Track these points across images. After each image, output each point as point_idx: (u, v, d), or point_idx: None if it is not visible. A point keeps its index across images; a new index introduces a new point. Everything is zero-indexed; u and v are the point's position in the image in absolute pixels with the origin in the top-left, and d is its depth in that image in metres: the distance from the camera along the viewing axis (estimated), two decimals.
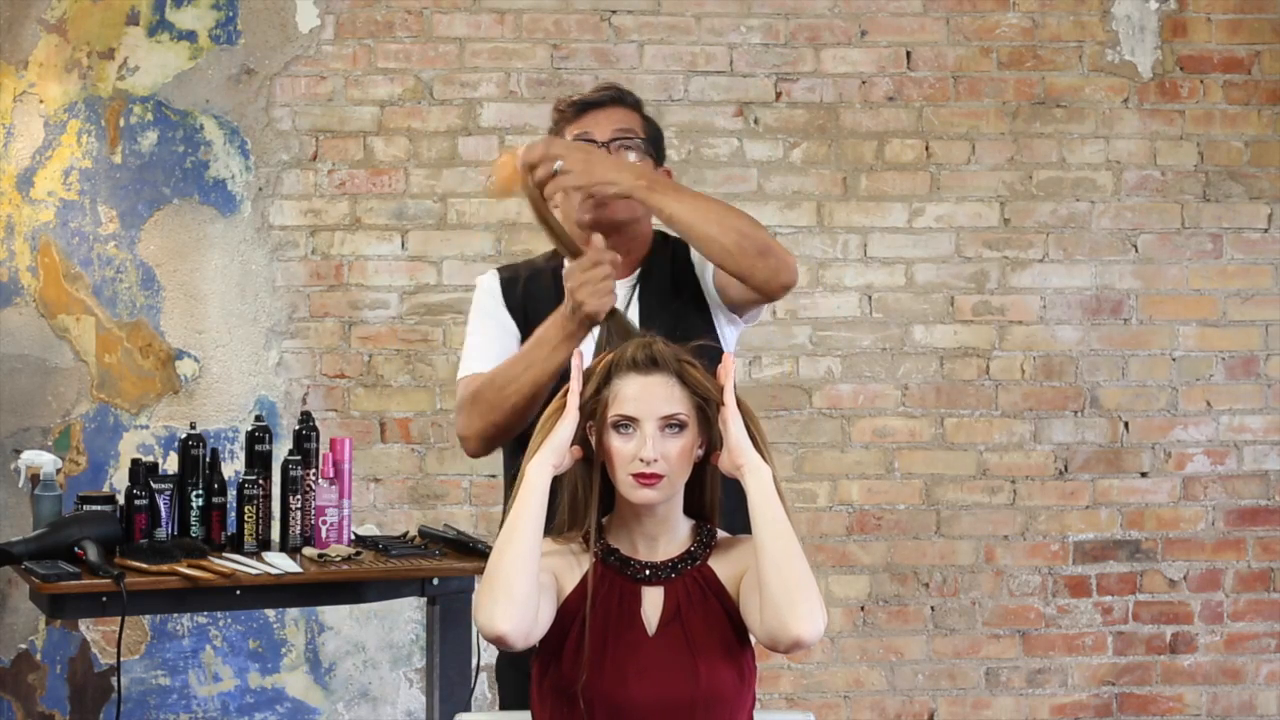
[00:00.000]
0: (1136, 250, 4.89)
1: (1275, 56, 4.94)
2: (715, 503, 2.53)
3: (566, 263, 2.85)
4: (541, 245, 4.59)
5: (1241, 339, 4.93)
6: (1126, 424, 4.89)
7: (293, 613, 4.64)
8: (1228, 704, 4.92)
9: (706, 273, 2.94)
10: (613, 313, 2.74)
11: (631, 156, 2.91)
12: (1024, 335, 4.86)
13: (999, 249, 4.85)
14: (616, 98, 2.98)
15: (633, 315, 2.89)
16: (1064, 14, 4.87)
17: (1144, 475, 4.89)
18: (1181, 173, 4.90)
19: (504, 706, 3.01)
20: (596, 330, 2.78)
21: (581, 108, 2.95)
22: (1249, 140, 4.92)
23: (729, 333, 2.99)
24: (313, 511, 3.62)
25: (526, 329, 2.87)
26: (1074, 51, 4.87)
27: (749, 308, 2.95)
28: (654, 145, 2.99)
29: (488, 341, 2.95)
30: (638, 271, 2.96)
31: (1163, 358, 4.90)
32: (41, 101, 4.58)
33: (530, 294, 2.94)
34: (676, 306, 2.92)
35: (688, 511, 2.51)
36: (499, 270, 3.06)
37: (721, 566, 2.47)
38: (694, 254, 2.98)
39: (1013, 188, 4.85)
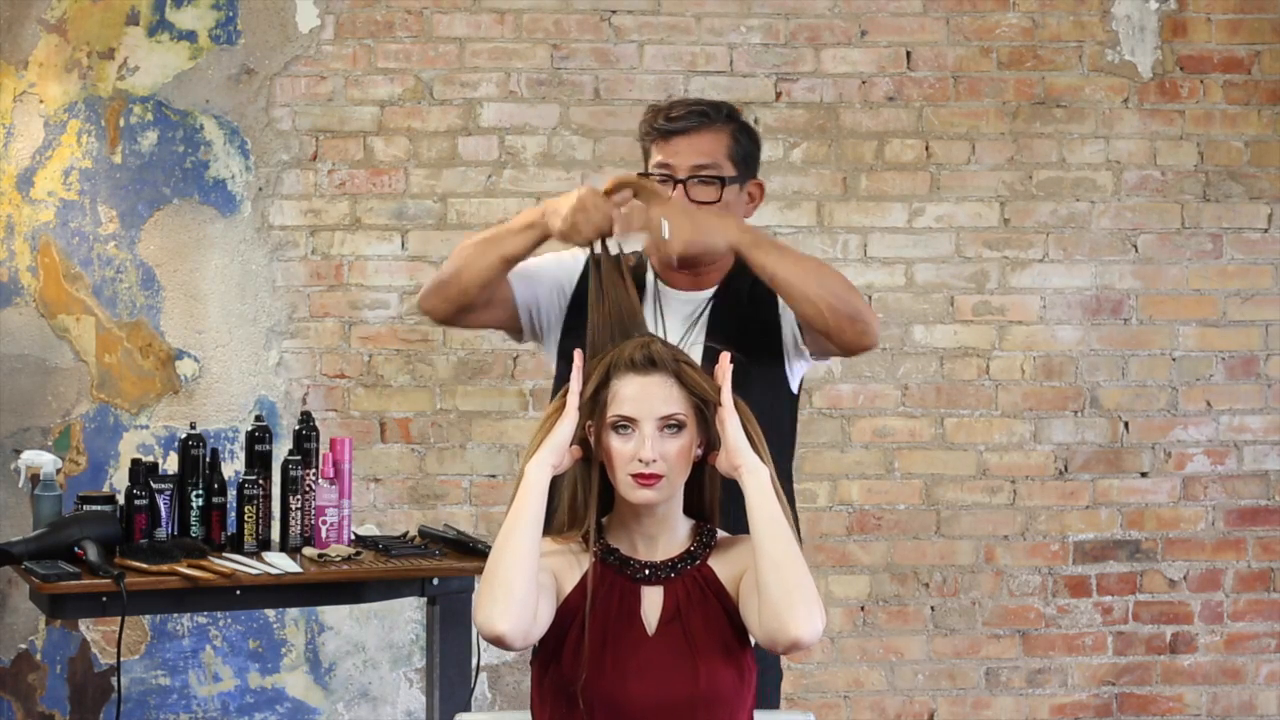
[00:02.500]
0: (1136, 250, 4.89)
1: (1275, 56, 4.94)
2: (715, 503, 2.53)
3: (644, 252, 2.87)
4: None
5: (1241, 339, 4.93)
6: (1126, 424, 4.89)
7: (293, 613, 4.64)
8: (1228, 704, 4.92)
9: (788, 311, 2.92)
10: (602, 259, 2.71)
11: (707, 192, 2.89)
12: (1024, 335, 4.86)
13: (999, 249, 4.85)
14: (703, 121, 2.93)
15: (703, 326, 2.90)
16: (1064, 14, 4.87)
17: (1144, 475, 4.89)
18: (1181, 173, 4.90)
19: None
20: (592, 319, 2.76)
21: (667, 133, 2.91)
22: (1249, 140, 4.92)
23: (798, 366, 2.99)
24: (313, 511, 3.62)
25: (573, 306, 2.88)
26: (1074, 51, 4.87)
27: (825, 355, 2.97)
28: (744, 164, 2.96)
29: (536, 265, 2.95)
30: (715, 287, 2.96)
31: (1163, 358, 4.90)
32: (41, 101, 4.59)
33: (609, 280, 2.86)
34: (747, 328, 2.91)
35: (687, 511, 2.51)
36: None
37: (721, 566, 2.47)
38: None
39: (1013, 188, 4.85)
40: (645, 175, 2.90)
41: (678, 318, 2.92)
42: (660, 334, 2.80)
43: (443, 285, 2.92)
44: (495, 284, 2.90)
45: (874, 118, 4.82)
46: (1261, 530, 4.94)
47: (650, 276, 2.95)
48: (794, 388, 3.02)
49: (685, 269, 2.89)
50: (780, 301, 2.92)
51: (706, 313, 2.94)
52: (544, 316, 2.98)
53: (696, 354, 2.81)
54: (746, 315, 2.94)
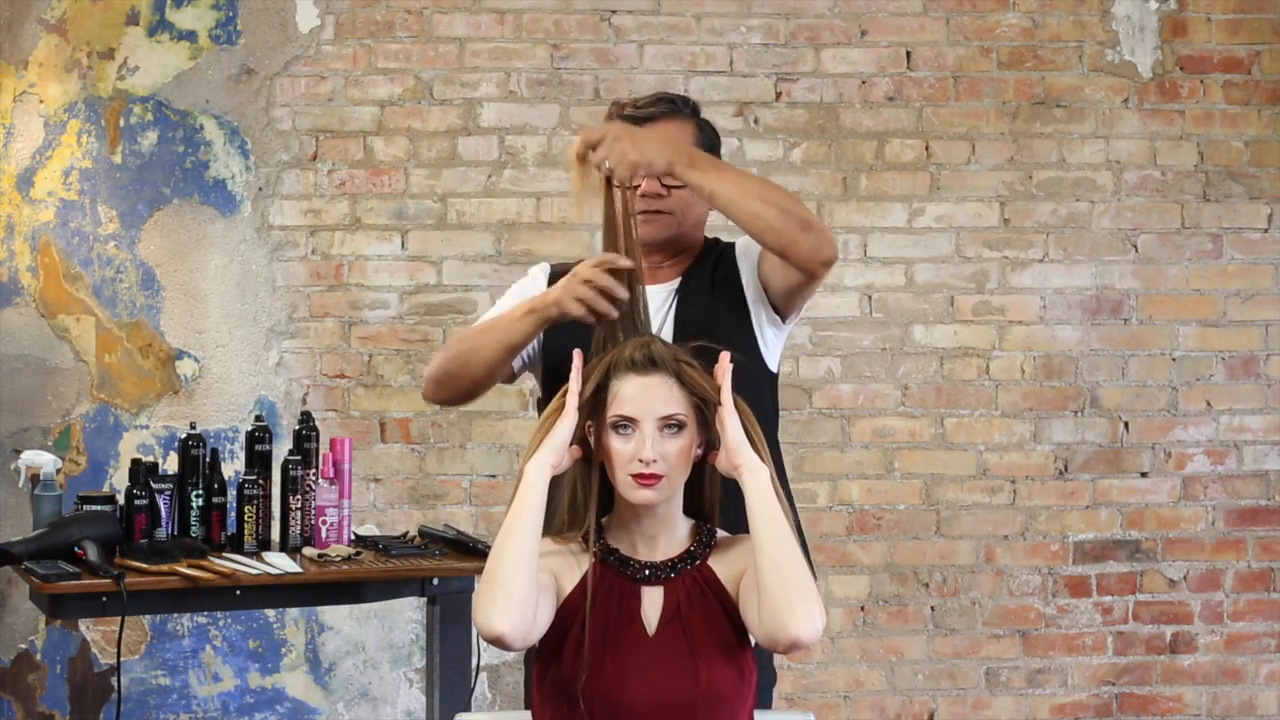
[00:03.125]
0: (1136, 250, 4.89)
1: (1275, 56, 4.94)
2: (715, 502, 2.53)
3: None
4: (543, 247, 4.59)
5: (1241, 339, 4.93)
6: (1126, 424, 4.89)
7: (293, 613, 4.64)
8: (1228, 704, 4.92)
9: (747, 272, 2.95)
10: (612, 324, 2.73)
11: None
12: (1024, 335, 4.86)
13: (999, 249, 4.85)
14: (671, 110, 2.99)
15: (670, 320, 2.91)
16: (1064, 14, 4.87)
17: (1144, 475, 4.89)
18: (1181, 173, 4.90)
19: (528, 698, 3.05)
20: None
21: (636, 121, 2.94)
22: (1249, 140, 4.92)
23: (771, 338, 2.99)
24: (313, 511, 3.62)
25: (555, 329, 2.88)
26: (1074, 51, 4.87)
27: (795, 297, 2.94)
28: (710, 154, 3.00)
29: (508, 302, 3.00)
30: (679, 278, 2.98)
31: (1163, 358, 4.90)
32: (41, 101, 4.59)
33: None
34: (714, 310, 2.93)
35: (687, 511, 2.51)
36: (552, 266, 3.08)
37: (721, 566, 2.46)
38: (737, 257, 3.00)
39: (1013, 188, 4.85)
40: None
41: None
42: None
43: (450, 379, 2.95)
44: (502, 368, 2.92)
45: (874, 118, 4.82)
46: (1261, 530, 4.94)
47: None
48: (772, 365, 3.02)
49: (646, 245, 2.86)
50: (741, 269, 2.96)
51: (674, 303, 2.95)
52: (527, 352, 2.99)
53: None
54: (710, 293, 2.96)
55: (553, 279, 3.03)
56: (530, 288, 3.04)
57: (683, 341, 2.62)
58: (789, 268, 2.84)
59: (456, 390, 2.96)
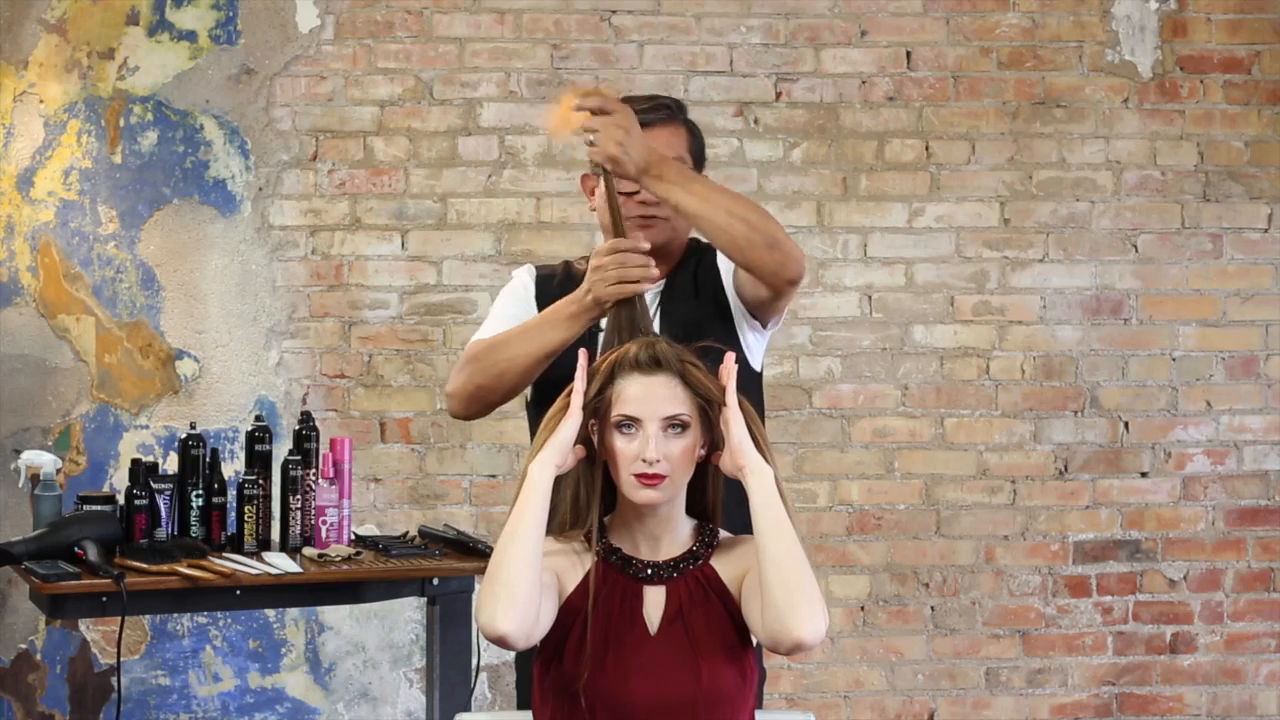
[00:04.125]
0: (1136, 250, 4.89)
1: (1275, 56, 4.94)
2: (718, 503, 2.53)
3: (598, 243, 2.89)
4: (543, 247, 4.59)
5: (1241, 339, 4.93)
6: (1126, 424, 4.89)
7: (293, 613, 4.64)
8: (1228, 704, 4.92)
9: (727, 275, 2.97)
10: (629, 304, 2.75)
11: None
12: (1024, 335, 4.86)
13: (999, 249, 4.85)
14: (669, 116, 3.00)
15: (656, 320, 2.92)
16: (1064, 14, 4.87)
17: (1144, 475, 4.89)
18: (1181, 173, 4.90)
19: (520, 699, 3.04)
20: (605, 322, 2.79)
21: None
22: (1249, 140, 4.92)
23: (753, 340, 3.01)
24: (313, 511, 3.62)
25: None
26: (1074, 51, 4.87)
27: (766, 309, 2.97)
28: (700, 158, 3.04)
29: (505, 323, 2.97)
30: (663, 282, 2.98)
31: (1163, 358, 4.90)
32: (41, 101, 4.58)
33: (562, 296, 2.90)
34: (698, 314, 2.94)
35: (690, 511, 2.51)
36: (537, 268, 3.09)
37: (724, 566, 2.46)
38: (720, 261, 3.00)
39: (1013, 188, 4.85)
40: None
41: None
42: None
43: (484, 393, 2.93)
44: (536, 375, 2.90)
45: (874, 118, 4.82)
46: (1261, 530, 4.94)
47: None
48: (756, 365, 3.04)
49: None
50: (722, 270, 2.97)
51: (658, 305, 2.97)
52: None
53: None
54: (695, 297, 2.97)
55: (541, 281, 3.03)
56: (521, 293, 3.03)
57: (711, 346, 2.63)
58: (757, 283, 2.85)
59: (489, 403, 2.96)
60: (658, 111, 2.99)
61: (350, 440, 3.68)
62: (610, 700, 2.38)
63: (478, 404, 2.97)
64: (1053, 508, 4.86)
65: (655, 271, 2.76)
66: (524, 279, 3.07)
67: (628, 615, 2.42)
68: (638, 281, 2.73)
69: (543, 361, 2.85)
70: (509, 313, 3.01)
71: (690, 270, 3.01)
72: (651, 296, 2.96)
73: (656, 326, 2.92)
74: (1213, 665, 4.91)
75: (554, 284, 3.02)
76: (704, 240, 3.03)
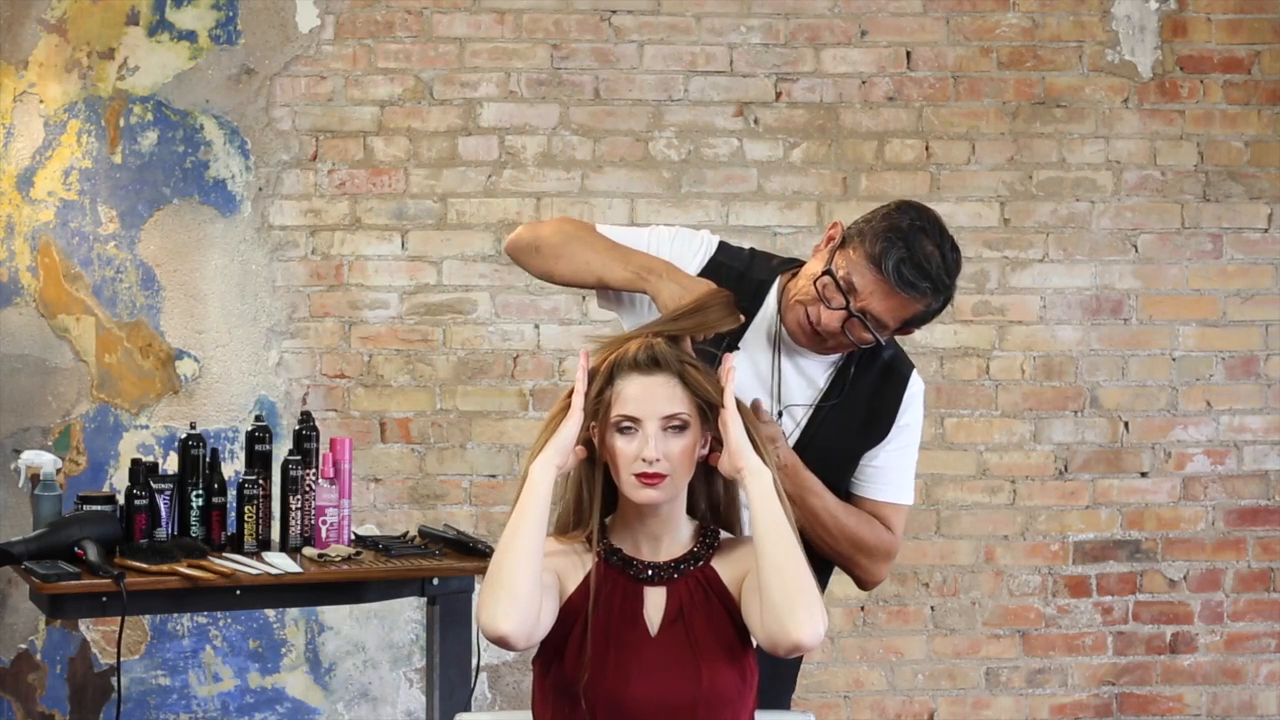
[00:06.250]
0: (1136, 250, 4.89)
1: (1275, 56, 4.94)
2: (718, 504, 2.53)
3: (777, 286, 2.82)
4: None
5: (1241, 339, 4.93)
6: (1126, 424, 4.89)
7: (293, 613, 4.64)
8: (1228, 704, 4.92)
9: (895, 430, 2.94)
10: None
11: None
12: (1024, 335, 4.86)
13: (999, 249, 4.85)
14: (918, 296, 2.88)
15: (824, 386, 2.84)
16: (1064, 14, 4.87)
17: (1144, 475, 4.89)
18: (1181, 173, 4.90)
19: None
20: (634, 301, 2.73)
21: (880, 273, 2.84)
22: (1249, 140, 4.92)
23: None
24: (313, 511, 3.62)
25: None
26: (1074, 51, 4.87)
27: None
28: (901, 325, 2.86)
29: (641, 244, 2.83)
30: (832, 370, 2.88)
31: (1163, 358, 4.90)
32: (41, 101, 4.58)
33: (724, 284, 2.74)
34: (854, 442, 2.87)
35: (691, 512, 2.51)
36: (721, 243, 2.91)
37: (724, 567, 2.46)
38: (908, 394, 2.98)
39: (1013, 188, 4.85)
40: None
41: (803, 375, 2.84)
42: (778, 382, 2.80)
43: (535, 253, 2.84)
44: (582, 286, 2.83)
45: (874, 118, 4.82)
46: (1261, 530, 4.94)
47: (778, 328, 2.85)
48: None
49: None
50: (904, 405, 2.95)
51: (813, 407, 2.84)
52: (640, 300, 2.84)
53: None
54: (864, 418, 2.90)
55: (718, 257, 2.85)
56: (696, 244, 2.86)
57: (804, 453, 2.66)
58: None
59: (532, 267, 2.86)
60: (919, 284, 2.87)
61: (350, 440, 3.68)
62: (610, 701, 2.38)
63: (525, 257, 2.85)
64: (1053, 508, 4.86)
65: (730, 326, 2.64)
66: (707, 238, 2.88)
67: (628, 616, 2.42)
68: (708, 332, 2.61)
69: (591, 282, 2.77)
70: (657, 240, 2.84)
71: (872, 380, 2.95)
72: (824, 376, 2.84)
73: (825, 390, 2.83)
74: (1213, 665, 4.92)
75: (721, 270, 2.82)
76: (902, 353, 2.97)
